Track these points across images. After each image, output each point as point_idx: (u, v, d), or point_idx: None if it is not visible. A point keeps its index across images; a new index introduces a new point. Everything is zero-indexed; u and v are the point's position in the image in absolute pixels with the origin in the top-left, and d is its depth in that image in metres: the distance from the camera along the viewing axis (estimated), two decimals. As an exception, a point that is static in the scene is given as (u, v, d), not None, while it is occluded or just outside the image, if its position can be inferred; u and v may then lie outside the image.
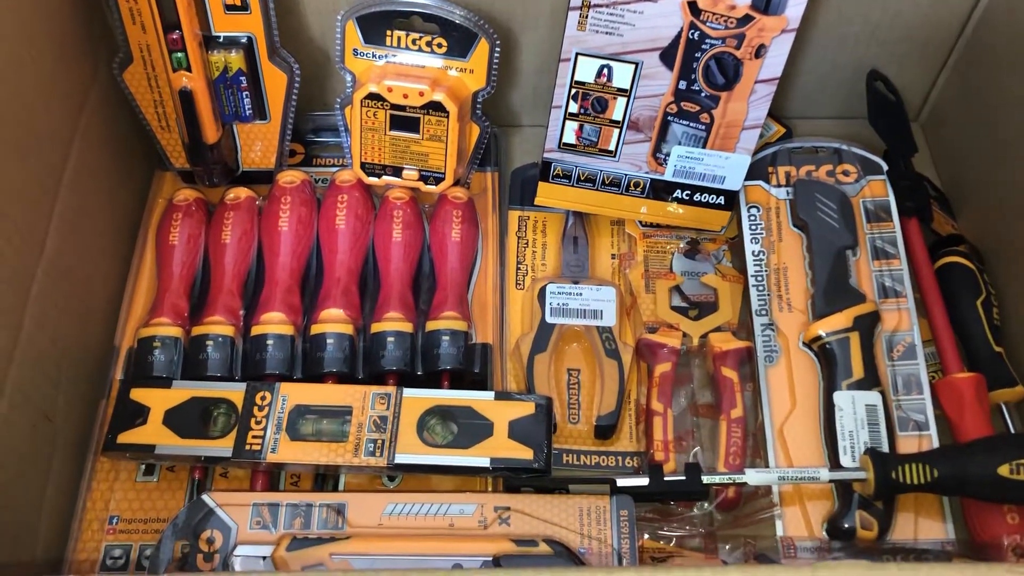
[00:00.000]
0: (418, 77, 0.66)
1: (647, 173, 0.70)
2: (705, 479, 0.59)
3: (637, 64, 0.64)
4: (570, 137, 0.68)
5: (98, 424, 0.63)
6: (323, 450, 0.58)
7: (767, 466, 0.63)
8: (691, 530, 0.61)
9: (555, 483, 0.59)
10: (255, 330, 0.65)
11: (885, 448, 0.61)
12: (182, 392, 0.61)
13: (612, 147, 0.68)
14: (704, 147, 0.68)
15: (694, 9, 0.62)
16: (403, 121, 0.67)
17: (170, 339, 0.65)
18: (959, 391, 0.64)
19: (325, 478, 0.63)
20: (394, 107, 0.66)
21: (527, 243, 0.74)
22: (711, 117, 0.66)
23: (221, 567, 0.54)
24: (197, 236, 0.70)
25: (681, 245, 0.73)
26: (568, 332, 0.69)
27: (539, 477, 0.59)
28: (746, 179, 0.70)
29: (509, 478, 0.60)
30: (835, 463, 0.61)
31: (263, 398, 0.60)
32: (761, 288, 0.69)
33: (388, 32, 0.66)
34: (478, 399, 0.60)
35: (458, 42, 0.66)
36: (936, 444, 0.62)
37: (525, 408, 0.60)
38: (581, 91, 0.66)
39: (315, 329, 0.65)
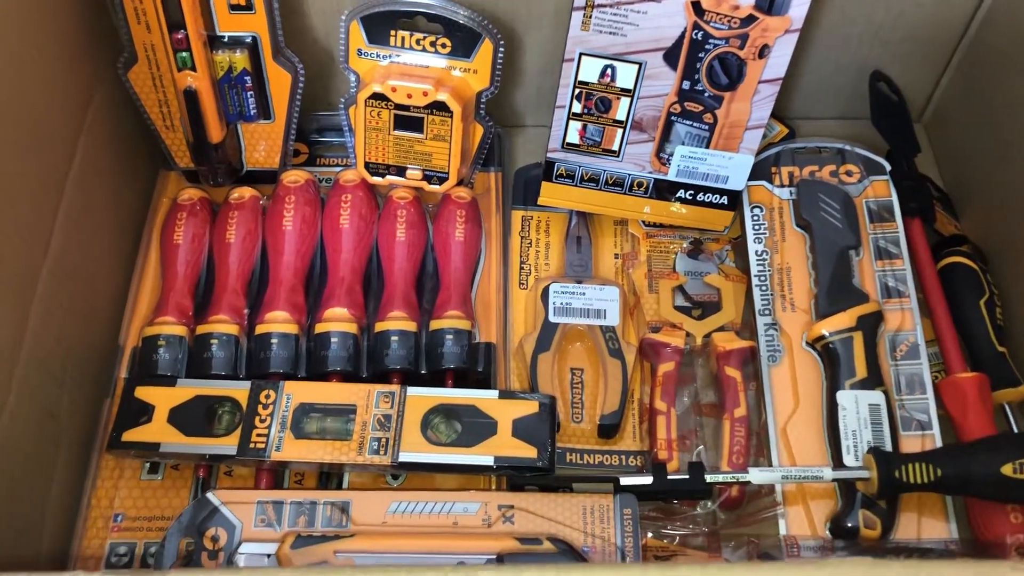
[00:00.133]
0: (422, 77, 0.66)
1: (650, 173, 0.70)
2: (708, 478, 0.59)
3: (641, 64, 0.64)
4: (574, 137, 0.68)
5: (103, 422, 0.63)
6: (327, 448, 0.59)
7: (770, 465, 0.63)
8: (694, 529, 0.61)
9: (559, 482, 0.59)
10: (259, 329, 0.65)
11: (888, 448, 0.61)
12: (187, 390, 0.61)
13: (616, 147, 0.69)
14: (707, 147, 0.68)
15: (698, 9, 0.62)
16: (407, 121, 0.67)
17: (175, 338, 0.65)
18: (962, 391, 0.64)
19: (329, 476, 0.63)
20: (398, 107, 0.67)
21: (530, 243, 0.74)
22: (714, 117, 0.67)
23: (226, 565, 0.54)
24: (201, 235, 0.70)
25: (684, 245, 0.74)
26: (571, 331, 0.69)
27: (543, 476, 0.59)
28: (749, 179, 0.70)
29: (513, 476, 0.60)
30: (838, 462, 0.61)
31: (267, 396, 0.60)
32: (764, 288, 0.69)
33: (392, 32, 0.66)
34: (482, 398, 0.60)
35: (462, 42, 0.66)
36: (939, 444, 0.63)
37: (529, 407, 0.60)
38: (585, 91, 0.66)
39: (319, 328, 0.65)
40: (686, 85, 0.65)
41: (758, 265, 0.70)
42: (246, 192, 0.72)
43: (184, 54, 0.64)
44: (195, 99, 0.66)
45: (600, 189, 0.71)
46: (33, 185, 0.58)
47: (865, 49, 0.76)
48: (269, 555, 0.55)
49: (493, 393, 0.61)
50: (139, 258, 0.71)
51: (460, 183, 0.72)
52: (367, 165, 0.70)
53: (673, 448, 0.64)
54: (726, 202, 0.71)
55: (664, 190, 0.71)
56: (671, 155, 0.69)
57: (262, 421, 0.59)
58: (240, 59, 0.66)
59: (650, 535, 0.60)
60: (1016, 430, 0.65)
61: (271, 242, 0.70)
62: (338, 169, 0.76)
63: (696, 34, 0.63)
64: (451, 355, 0.65)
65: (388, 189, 0.72)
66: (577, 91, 0.66)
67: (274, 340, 0.64)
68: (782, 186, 0.73)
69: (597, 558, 0.55)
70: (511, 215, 0.75)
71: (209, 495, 0.57)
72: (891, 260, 0.69)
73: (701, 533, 0.61)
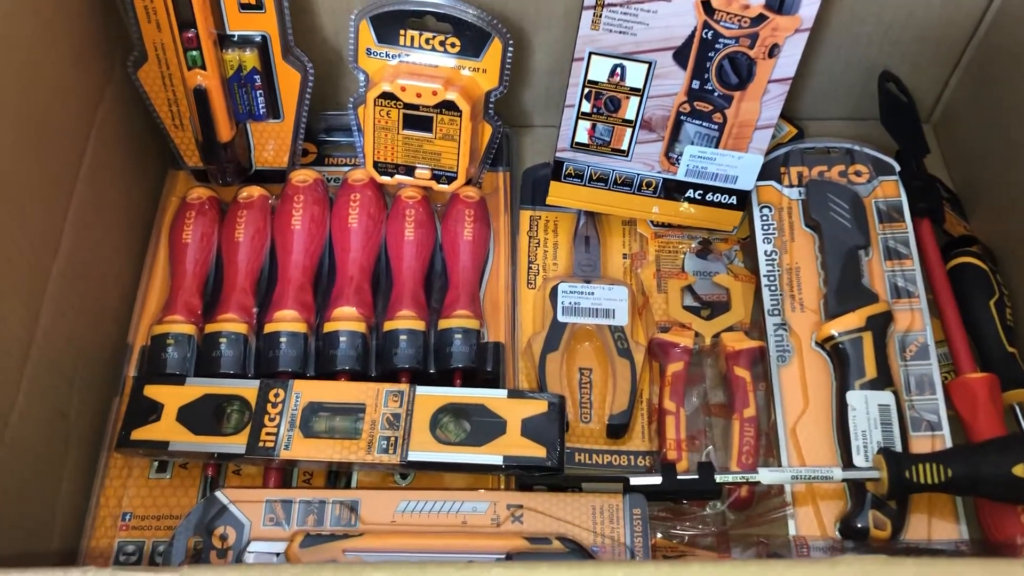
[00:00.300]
0: (431, 76, 0.66)
1: (659, 173, 0.70)
2: (718, 478, 0.59)
3: (650, 63, 0.64)
4: (583, 136, 0.68)
5: (112, 421, 0.63)
6: (336, 447, 0.59)
7: (780, 466, 0.63)
8: (704, 529, 0.61)
9: (568, 481, 0.59)
10: (268, 328, 0.65)
11: (898, 448, 0.61)
12: (195, 389, 0.61)
13: (624, 146, 0.68)
14: (717, 147, 0.68)
15: (708, 8, 0.62)
16: (416, 120, 0.67)
17: (183, 336, 0.65)
18: (972, 391, 0.64)
19: (338, 475, 0.63)
20: (407, 106, 0.67)
21: (538, 243, 0.74)
22: (724, 117, 0.66)
23: (235, 563, 0.54)
24: (210, 234, 0.70)
25: (693, 245, 0.73)
26: (580, 331, 0.69)
27: (552, 475, 0.59)
28: (758, 179, 0.70)
29: (522, 476, 0.60)
30: (848, 463, 0.61)
31: (276, 395, 0.60)
32: (773, 288, 0.69)
33: (401, 31, 0.66)
34: (491, 397, 0.60)
35: (471, 42, 0.66)
36: (949, 444, 0.62)
37: (538, 406, 0.60)
38: (594, 90, 0.66)
39: (328, 327, 0.65)
40: (696, 84, 0.65)
41: (767, 265, 0.69)
42: (255, 191, 0.72)
43: (194, 53, 0.64)
44: (205, 98, 0.66)
45: (609, 189, 0.71)
46: (43, 184, 0.58)
47: (874, 49, 0.76)
48: (278, 554, 0.55)
49: (502, 392, 0.61)
50: (148, 257, 0.71)
51: (469, 183, 0.72)
52: (376, 164, 0.71)
53: (682, 448, 0.64)
54: (735, 202, 0.71)
55: (673, 190, 0.71)
56: (680, 155, 0.69)
57: (271, 420, 0.59)
58: (250, 58, 0.66)
59: (659, 535, 0.60)
60: (1026, 431, 0.65)
61: (280, 241, 0.70)
62: (347, 168, 0.76)
63: (706, 33, 0.63)
64: (460, 354, 0.65)
65: (397, 188, 0.72)
66: (586, 90, 0.66)
67: (283, 339, 0.64)
68: (791, 186, 0.72)
69: (606, 558, 0.55)
70: (519, 215, 0.75)
71: (218, 494, 0.57)
72: (900, 260, 0.69)
73: (710, 533, 0.61)
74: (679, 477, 0.59)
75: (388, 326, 0.66)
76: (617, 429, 0.65)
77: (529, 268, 0.73)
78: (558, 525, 0.56)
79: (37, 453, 0.57)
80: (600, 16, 0.62)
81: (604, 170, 0.70)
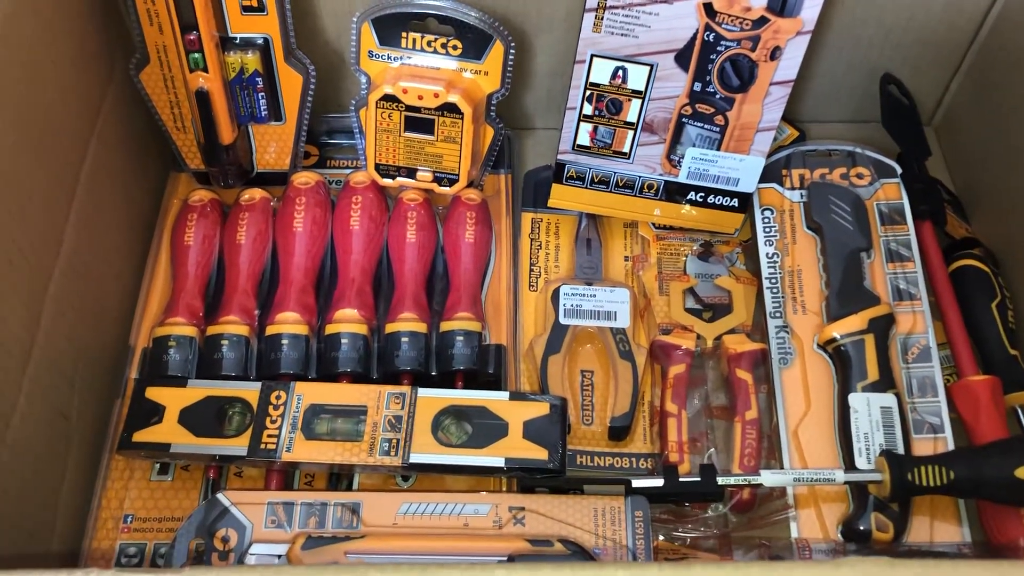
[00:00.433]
0: (433, 79, 0.66)
1: (661, 175, 0.70)
2: (720, 480, 0.59)
3: (652, 66, 0.64)
4: (584, 139, 0.68)
5: (113, 423, 0.63)
6: (338, 449, 0.58)
7: (781, 468, 0.63)
8: (706, 531, 0.60)
9: (570, 483, 0.59)
10: (270, 330, 0.65)
11: (900, 450, 0.61)
12: (197, 391, 0.61)
13: (626, 149, 0.68)
14: (718, 149, 0.68)
15: (709, 11, 0.62)
16: (418, 123, 0.67)
17: (185, 338, 0.65)
18: (974, 394, 0.64)
19: (339, 477, 0.63)
20: (409, 108, 0.67)
21: (540, 245, 0.74)
22: (725, 119, 0.66)
23: (236, 565, 0.54)
24: (212, 236, 0.70)
25: (695, 247, 0.73)
26: (582, 333, 0.69)
27: (554, 477, 0.59)
28: (760, 181, 0.70)
29: (524, 478, 0.60)
30: (850, 465, 0.61)
31: (278, 397, 0.60)
32: (775, 290, 0.69)
33: (403, 34, 0.66)
34: (493, 399, 0.60)
35: (473, 44, 0.66)
36: (951, 447, 0.62)
37: (540, 408, 0.60)
38: (596, 93, 0.66)
39: (330, 329, 0.65)
40: (697, 87, 0.65)
41: (769, 267, 0.69)
42: (256, 194, 0.72)
43: (196, 55, 0.64)
44: (206, 100, 0.66)
45: (610, 191, 0.71)
46: (45, 185, 0.58)
47: (876, 52, 0.76)
48: (280, 556, 0.55)
49: (504, 394, 0.61)
50: (150, 259, 0.71)
51: (470, 185, 0.72)
52: (377, 167, 0.71)
53: (684, 450, 0.64)
54: (737, 204, 0.71)
55: (675, 192, 0.71)
56: (682, 157, 0.69)
57: (272, 422, 0.59)
58: (252, 60, 0.66)
59: (661, 537, 0.60)
60: (1029, 433, 0.65)
61: (281, 243, 0.70)
62: (348, 171, 0.76)
63: (708, 36, 0.63)
64: (461, 356, 0.65)
65: (398, 191, 0.72)
66: (588, 93, 0.66)
67: (284, 341, 0.64)
68: (793, 188, 0.72)
69: (608, 560, 0.55)
70: (521, 217, 0.75)
71: (219, 496, 0.57)
72: (902, 263, 0.69)
73: (712, 536, 0.60)
74: (681, 479, 0.59)
75: (390, 328, 0.66)
76: (619, 431, 0.65)
77: (531, 270, 0.73)
78: (560, 527, 0.56)
79: (38, 454, 0.57)
80: (602, 18, 0.63)
81: (606, 172, 0.70)
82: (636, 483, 0.58)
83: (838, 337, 0.65)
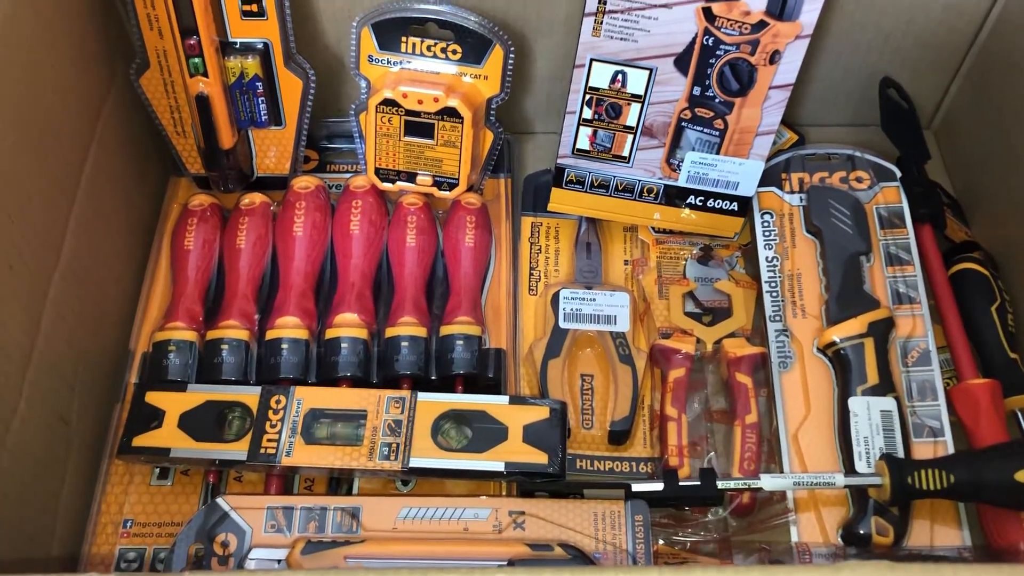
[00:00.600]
0: (433, 83, 0.67)
1: (661, 179, 0.70)
2: (720, 484, 0.59)
3: (651, 70, 0.65)
4: (584, 143, 0.68)
5: (113, 427, 0.63)
6: (338, 454, 0.58)
7: (781, 472, 0.63)
8: (706, 536, 0.60)
9: (570, 488, 0.59)
10: (270, 334, 0.65)
11: (900, 454, 0.61)
12: (197, 396, 0.61)
13: (626, 153, 0.69)
14: (718, 153, 0.68)
15: (709, 15, 0.62)
16: (417, 127, 0.68)
17: (185, 343, 0.65)
18: (974, 397, 0.64)
19: (339, 482, 0.63)
20: (409, 113, 0.67)
21: (540, 249, 0.74)
22: (725, 123, 0.67)
23: (236, 570, 0.54)
24: (212, 241, 0.70)
25: (694, 251, 0.74)
26: (581, 337, 0.69)
27: (554, 482, 0.59)
28: (759, 185, 0.70)
29: (523, 482, 0.60)
30: (850, 469, 0.61)
31: (278, 402, 0.60)
32: (775, 294, 0.69)
33: (403, 38, 0.66)
34: (493, 403, 0.60)
35: (473, 48, 0.66)
36: (951, 451, 0.62)
37: (540, 412, 0.60)
38: (595, 97, 0.66)
39: (329, 333, 0.65)
40: (697, 91, 0.65)
41: (768, 271, 0.70)
42: (256, 198, 0.72)
43: (196, 60, 0.64)
44: (207, 105, 0.66)
45: (610, 195, 0.71)
46: (45, 189, 0.58)
47: (875, 55, 0.76)
48: (279, 561, 0.55)
49: (504, 399, 0.61)
50: (150, 264, 0.71)
51: (470, 189, 0.72)
52: (377, 171, 0.71)
53: (684, 455, 0.64)
54: (736, 208, 0.71)
55: (674, 196, 0.71)
56: (681, 161, 0.69)
57: (272, 426, 0.59)
58: (252, 65, 0.66)
59: (661, 542, 0.60)
60: (1029, 437, 0.65)
61: (281, 248, 0.70)
62: (348, 175, 0.76)
63: (707, 40, 0.63)
64: (461, 361, 0.65)
65: (398, 195, 0.73)
66: (588, 97, 0.66)
67: (284, 345, 0.64)
68: (792, 192, 0.72)
69: (608, 564, 0.55)
70: (521, 221, 0.75)
71: (219, 500, 0.57)
72: (902, 266, 0.69)
73: (712, 540, 0.60)
74: (681, 483, 0.59)
75: (390, 332, 0.66)
76: (619, 435, 0.65)
77: (531, 274, 0.73)
78: (560, 531, 0.56)
79: (38, 459, 0.57)
80: (601, 23, 0.63)
81: (605, 176, 0.70)
82: (636, 487, 0.58)
83: (838, 341, 0.65)
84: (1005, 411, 0.65)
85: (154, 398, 0.61)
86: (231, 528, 0.56)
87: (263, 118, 0.69)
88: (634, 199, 0.71)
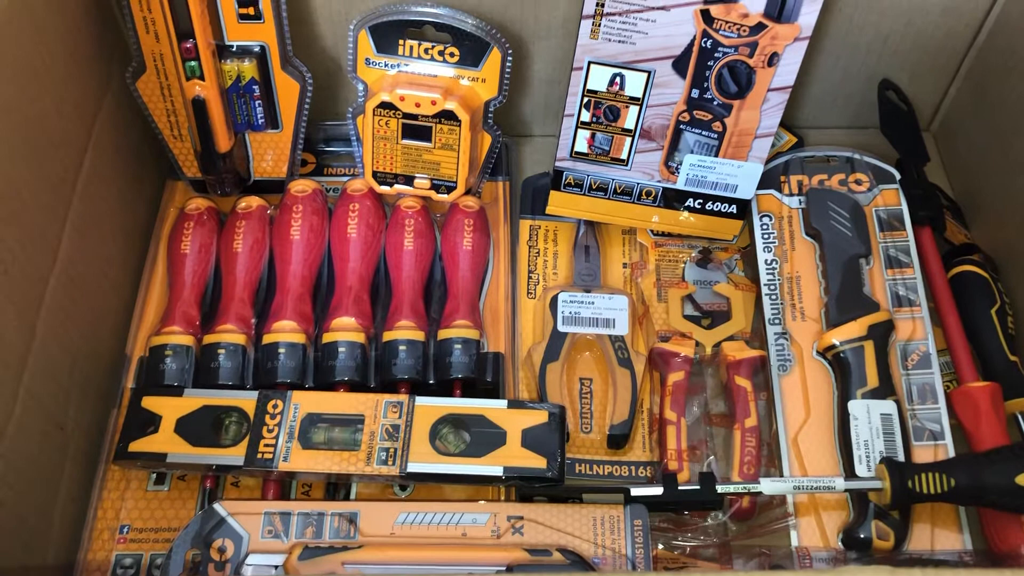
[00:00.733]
0: (430, 86, 0.66)
1: (659, 182, 0.70)
2: (719, 489, 0.59)
3: (650, 72, 0.64)
4: (582, 146, 0.68)
5: (109, 433, 0.63)
6: (335, 459, 0.58)
7: (781, 475, 0.63)
8: (705, 540, 0.60)
9: (568, 492, 0.59)
10: (267, 339, 0.65)
11: (900, 458, 0.61)
12: (194, 400, 0.60)
13: (624, 156, 0.68)
14: (716, 156, 0.68)
15: (707, 17, 0.62)
16: (415, 130, 0.67)
17: (182, 347, 0.64)
18: (975, 400, 0.64)
19: (337, 487, 0.63)
20: (406, 116, 0.66)
21: (538, 252, 0.74)
22: (723, 126, 0.66)
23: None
24: (209, 245, 0.70)
25: (693, 254, 0.73)
26: (580, 341, 0.68)
27: (552, 486, 0.58)
28: (758, 188, 0.70)
29: (522, 487, 0.59)
30: (850, 472, 0.61)
31: (275, 406, 0.60)
32: (774, 297, 0.68)
33: (400, 41, 0.66)
34: (491, 408, 0.60)
35: (470, 51, 0.66)
36: (952, 454, 0.62)
37: (538, 416, 0.60)
38: (593, 100, 0.66)
39: (327, 338, 0.65)
40: (695, 93, 0.65)
41: (767, 274, 0.69)
42: (253, 202, 0.72)
43: (193, 63, 0.64)
44: (203, 108, 0.66)
45: (608, 198, 0.71)
46: (41, 193, 0.57)
47: (874, 58, 0.76)
48: (276, 566, 0.55)
49: (502, 403, 0.60)
50: (146, 268, 0.70)
51: (468, 192, 0.72)
52: (375, 174, 0.70)
53: (683, 458, 0.63)
54: (735, 211, 0.71)
55: (673, 199, 0.70)
56: (680, 164, 0.68)
57: (269, 431, 0.59)
58: (248, 68, 0.66)
59: (661, 546, 0.59)
60: (1029, 440, 0.64)
61: (278, 252, 0.69)
62: (346, 179, 0.76)
63: (705, 42, 0.63)
64: (459, 365, 0.65)
65: (396, 198, 0.72)
66: (586, 100, 0.66)
67: (281, 350, 0.64)
68: (791, 195, 0.72)
69: (608, 569, 0.55)
70: (519, 224, 0.75)
71: (216, 506, 0.56)
72: (901, 269, 0.69)
73: (712, 544, 0.60)
74: (680, 488, 0.59)
75: (387, 336, 0.65)
76: (618, 439, 0.65)
77: (529, 278, 0.73)
78: (559, 536, 0.56)
79: (34, 465, 0.56)
80: (599, 25, 0.62)
81: (604, 179, 0.70)
82: (635, 491, 0.58)
83: (837, 344, 0.65)
84: (1005, 414, 0.64)
85: (151, 403, 0.60)
86: (228, 534, 0.55)
87: (260, 121, 0.69)
88: (632, 202, 0.71)
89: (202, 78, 0.65)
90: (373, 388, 0.65)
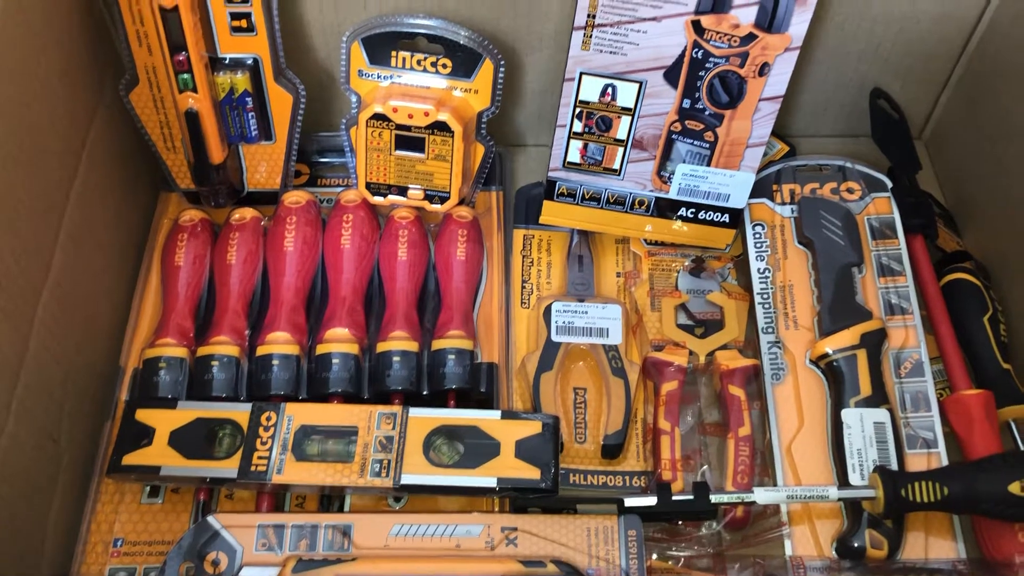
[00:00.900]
0: (423, 97, 0.66)
1: (652, 191, 0.70)
2: (713, 498, 0.59)
3: (641, 83, 0.65)
4: (575, 156, 0.68)
5: (103, 445, 0.63)
6: (329, 471, 0.58)
7: (775, 485, 0.63)
8: (699, 550, 0.60)
9: (562, 503, 0.59)
10: (260, 350, 0.65)
11: (894, 466, 0.61)
12: (187, 413, 0.60)
13: (616, 166, 0.69)
14: (708, 165, 0.68)
15: (698, 28, 0.62)
16: (408, 141, 0.67)
17: (175, 360, 0.64)
18: (967, 408, 0.64)
19: (331, 499, 0.63)
20: (399, 127, 0.67)
21: (532, 262, 0.74)
22: (715, 135, 0.67)
23: (226, 589, 0.54)
24: (202, 257, 0.70)
25: (686, 263, 0.73)
26: (574, 350, 0.68)
27: (546, 497, 0.58)
28: (750, 197, 0.70)
29: (516, 498, 0.59)
30: (844, 481, 0.61)
31: (268, 419, 0.60)
32: (767, 306, 0.69)
33: (393, 53, 0.66)
34: (485, 418, 0.60)
35: (463, 63, 0.66)
36: (945, 462, 0.62)
37: (532, 427, 0.60)
38: (585, 110, 0.66)
39: (320, 349, 0.65)
40: (687, 103, 0.65)
41: (760, 283, 0.69)
42: (247, 213, 0.72)
43: (185, 76, 0.64)
44: (196, 120, 0.66)
45: (602, 208, 0.71)
46: (34, 205, 0.57)
47: (865, 66, 0.76)
48: (270, 579, 0.55)
49: (496, 413, 0.60)
50: (140, 280, 0.70)
51: (461, 203, 0.72)
52: (368, 185, 0.70)
53: (677, 468, 0.63)
54: (727, 220, 0.71)
55: (665, 208, 0.71)
56: (672, 173, 0.69)
57: (263, 444, 0.59)
58: (241, 80, 0.66)
59: (655, 557, 0.59)
60: (1023, 448, 0.64)
61: (272, 263, 0.69)
62: (339, 190, 0.76)
63: (696, 53, 0.63)
64: (453, 375, 0.65)
65: (389, 209, 0.72)
66: (578, 110, 0.66)
67: (275, 361, 0.64)
68: (783, 204, 0.72)
69: (602, 580, 0.55)
70: (512, 234, 0.75)
71: (210, 519, 0.56)
72: (894, 277, 0.69)
73: (706, 554, 0.60)
74: (674, 498, 0.59)
75: (381, 347, 0.65)
76: (612, 449, 0.65)
77: (523, 287, 0.73)
78: (553, 548, 0.56)
79: (27, 478, 0.56)
80: (591, 36, 0.63)
81: (597, 189, 0.70)
82: (629, 502, 0.58)
83: (830, 352, 0.65)
84: (998, 421, 0.64)
85: (144, 415, 0.60)
86: (222, 546, 0.55)
87: (253, 133, 0.69)
88: (625, 211, 0.71)
89: (195, 90, 0.65)
90: (367, 399, 0.65)
